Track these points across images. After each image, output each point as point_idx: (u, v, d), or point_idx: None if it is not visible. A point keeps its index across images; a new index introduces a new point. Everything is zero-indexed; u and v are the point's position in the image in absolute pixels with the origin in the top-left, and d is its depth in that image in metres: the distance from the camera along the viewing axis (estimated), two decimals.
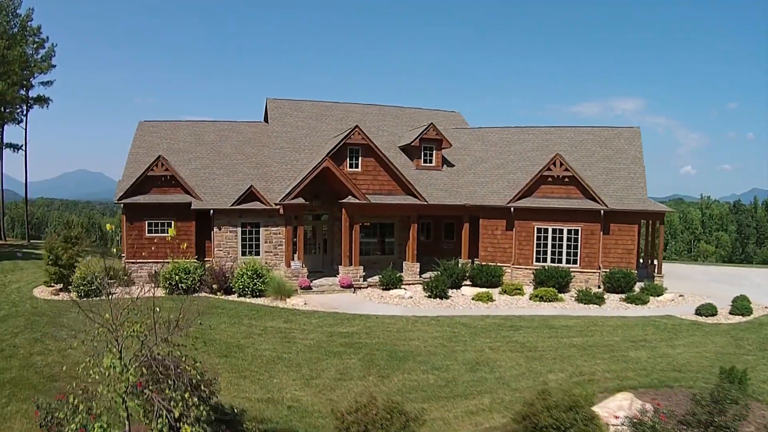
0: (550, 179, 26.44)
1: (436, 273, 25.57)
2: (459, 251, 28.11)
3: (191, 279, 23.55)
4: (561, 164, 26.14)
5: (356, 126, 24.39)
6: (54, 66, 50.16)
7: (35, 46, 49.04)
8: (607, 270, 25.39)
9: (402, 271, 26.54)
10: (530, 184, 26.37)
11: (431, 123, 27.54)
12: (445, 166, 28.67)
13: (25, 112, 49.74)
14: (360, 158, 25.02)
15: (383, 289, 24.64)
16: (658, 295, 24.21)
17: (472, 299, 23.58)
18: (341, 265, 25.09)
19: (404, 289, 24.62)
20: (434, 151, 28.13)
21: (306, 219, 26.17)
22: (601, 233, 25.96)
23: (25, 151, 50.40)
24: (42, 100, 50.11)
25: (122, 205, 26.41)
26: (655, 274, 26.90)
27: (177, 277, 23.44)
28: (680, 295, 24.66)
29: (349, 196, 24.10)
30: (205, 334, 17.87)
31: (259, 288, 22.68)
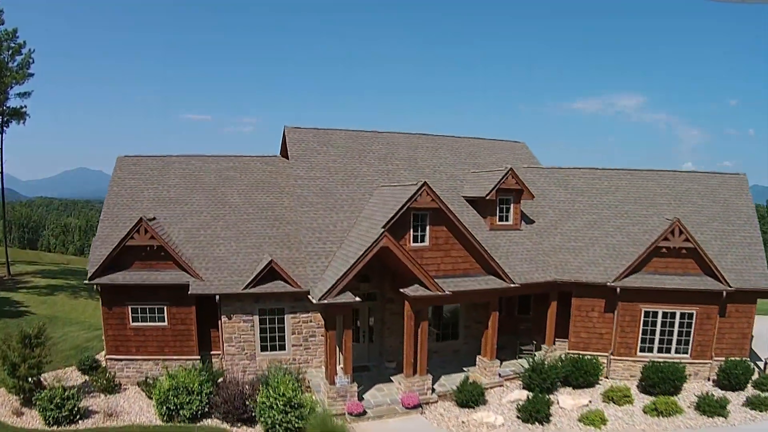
0: (664, 250, 18.51)
1: (518, 365, 17.52)
2: (539, 330, 19.90)
3: (196, 403, 14.96)
4: (680, 232, 18.21)
5: (424, 184, 15.52)
6: (32, 74, 40.03)
7: (10, 52, 38.81)
8: (721, 359, 18.45)
9: (474, 365, 18.20)
10: (642, 258, 18.28)
11: (510, 169, 18.85)
12: (523, 222, 20.02)
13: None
14: (428, 227, 16.19)
15: (459, 406, 16.21)
16: None
17: (579, 420, 15.67)
18: (397, 368, 16.61)
19: (488, 408, 16.26)
20: (512, 205, 19.51)
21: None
22: (717, 316, 18.49)
23: (2, 172, 40.35)
24: (19, 114, 39.99)
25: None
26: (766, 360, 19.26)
27: (176, 400, 14.82)
28: None
29: (416, 285, 15.46)
30: None
31: (296, 425, 14.02)
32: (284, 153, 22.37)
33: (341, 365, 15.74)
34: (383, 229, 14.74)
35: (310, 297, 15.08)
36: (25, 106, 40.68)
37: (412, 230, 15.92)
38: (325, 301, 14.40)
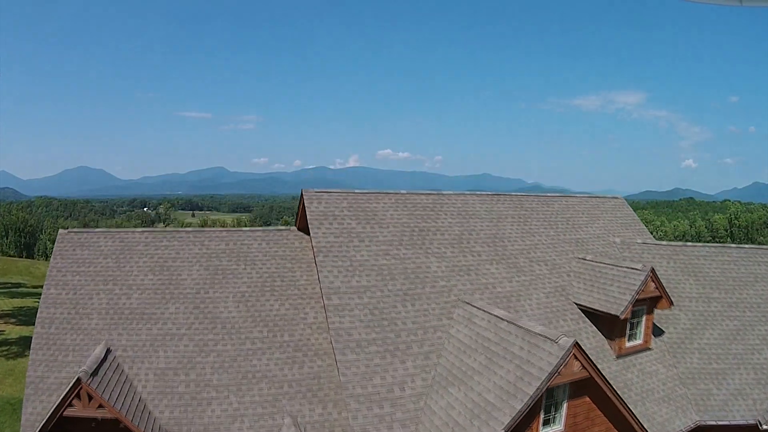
0: None
1: None
2: None
3: None
4: None
5: (573, 346, 8.14)
6: None
7: None
8: None
9: None
10: None
11: (650, 270, 11.48)
12: (653, 336, 12.77)
13: None
14: (565, 403, 8.88)
15: None
16: None
17: None
18: None
19: None
20: (644, 317, 12.21)
21: None
22: None
23: None
24: None
25: None
26: None
27: None
28: None
29: None
30: None
31: None
32: (302, 224, 14.53)
33: None
34: None
35: None
36: None
37: (543, 412, 8.60)
38: None
